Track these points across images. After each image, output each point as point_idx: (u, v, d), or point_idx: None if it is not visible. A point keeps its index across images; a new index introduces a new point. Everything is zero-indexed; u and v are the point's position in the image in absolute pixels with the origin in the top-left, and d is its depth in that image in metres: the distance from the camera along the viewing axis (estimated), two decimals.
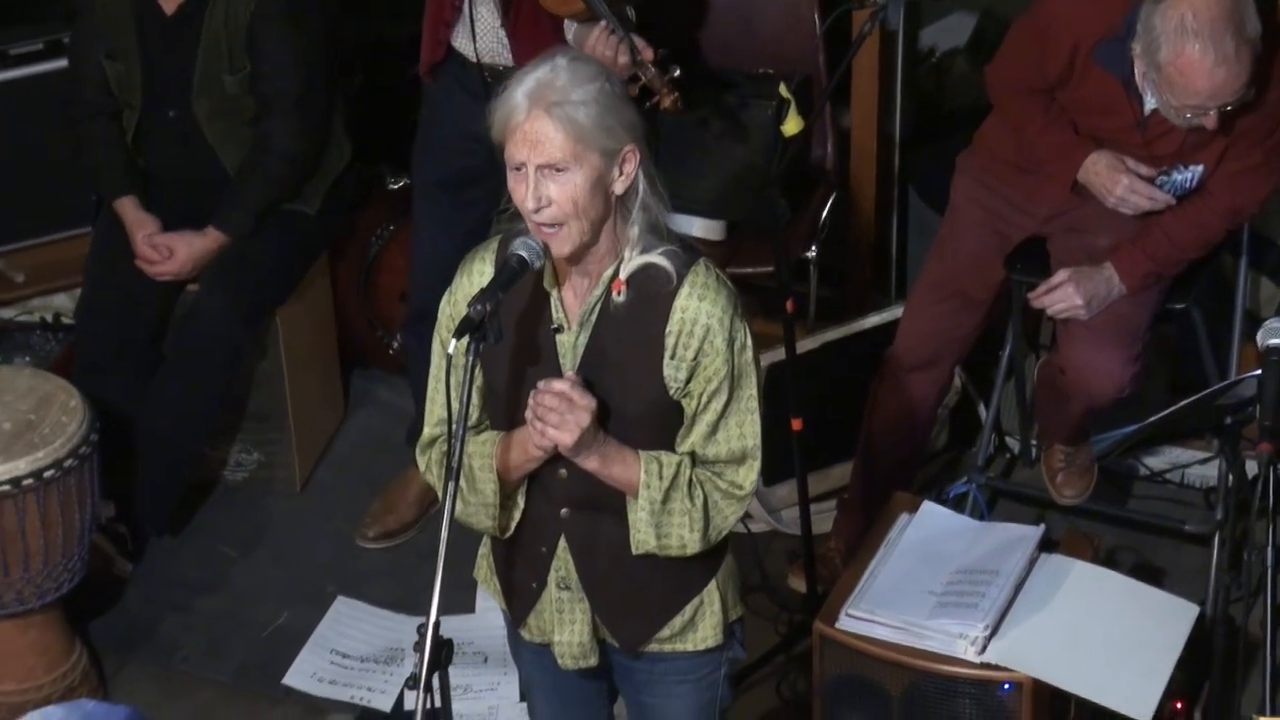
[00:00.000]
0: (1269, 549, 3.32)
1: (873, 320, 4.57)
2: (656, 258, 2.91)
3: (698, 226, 4.65)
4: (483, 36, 4.15)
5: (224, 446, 4.67)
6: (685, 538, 2.96)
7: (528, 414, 2.91)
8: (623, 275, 2.92)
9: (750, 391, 2.95)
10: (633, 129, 2.86)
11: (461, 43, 4.20)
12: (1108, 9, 3.77)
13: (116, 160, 4.40)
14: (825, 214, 4.70)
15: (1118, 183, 3.89)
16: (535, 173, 2.83)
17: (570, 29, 4.04)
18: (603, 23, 3.92)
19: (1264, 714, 3.29)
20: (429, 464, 3.08)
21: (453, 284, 3.03)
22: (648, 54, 3.93)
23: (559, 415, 2.87)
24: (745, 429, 2.95)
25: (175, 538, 4.53)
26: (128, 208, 4.38)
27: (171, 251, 4.34)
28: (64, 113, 4.46)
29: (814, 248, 4.66)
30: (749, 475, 2.97)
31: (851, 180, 4.82)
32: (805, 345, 4.42)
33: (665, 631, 3.09)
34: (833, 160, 4.77)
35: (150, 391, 4.39)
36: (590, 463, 2.93)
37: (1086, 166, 3.92)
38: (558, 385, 2.89)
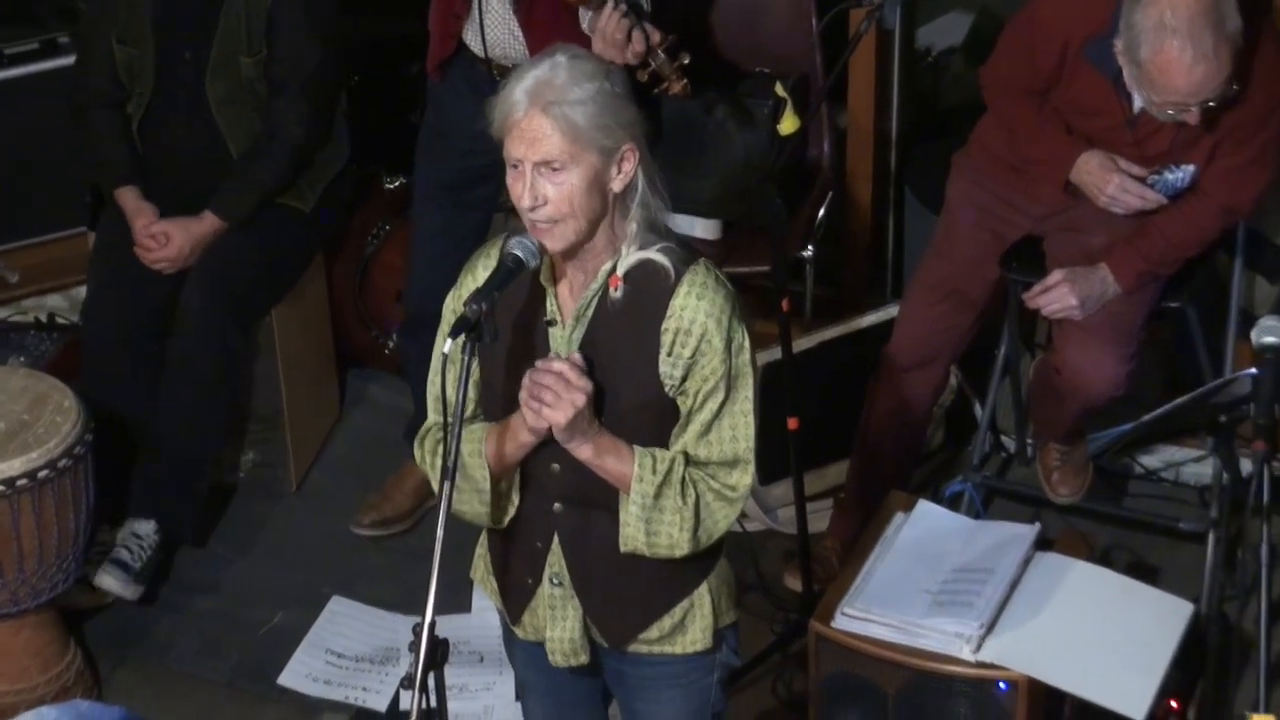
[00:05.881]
0: (1263, 547, 3.33)
1: (869, 319, 4.57)
2: (654, 254, 2.92)
3: (694, 226, 4.65)
4: (492, 29, 4.14)
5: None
6: (675, 537, 2.96)
7: (522, 395, 2.91)
8: (620, 271, 2.92)
9: (746, 394, 2.95)
10: (632, 127, 2.87)
11: (470, 37, 4.19)
12: (1096, 6, 3.78)
13: (120, 151, 4.39)
14: (822, 213, 4.70)
15: (1109, 182, 3.89)
16: (532, 170, 2.84)
17: (585, 17, 4.03)
18: (615, 6, 3.91)
19: (1258, 711, 3.29)
20: (424, 454, 3.09)
21: (458, 283, 3.04)
22: (657, 38, 3.94)
23: (554, 394, 2.88)
24: (739, 432, 2.95)
25: (203, 548, 4.51)
26: (128, 197, 4.37)
27: (168, 238, 4.33)
28: (70, 100, 4.45)
29: (810, 247, 4.66)
30: (743, 479, 2.97)
31: (848, 179, 4.82)
32: (802, 344, 4.42)
33: (654, 632, 3.08)
34: (829, 159, 4.77)
35: (159, 402, 4.38)
36: (583, 451, 2.93)
37: (1078, 166, 3.92)
38: (556, 365, 2.90)
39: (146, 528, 4.37)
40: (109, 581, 4.29)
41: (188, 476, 4.41)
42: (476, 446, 2.98)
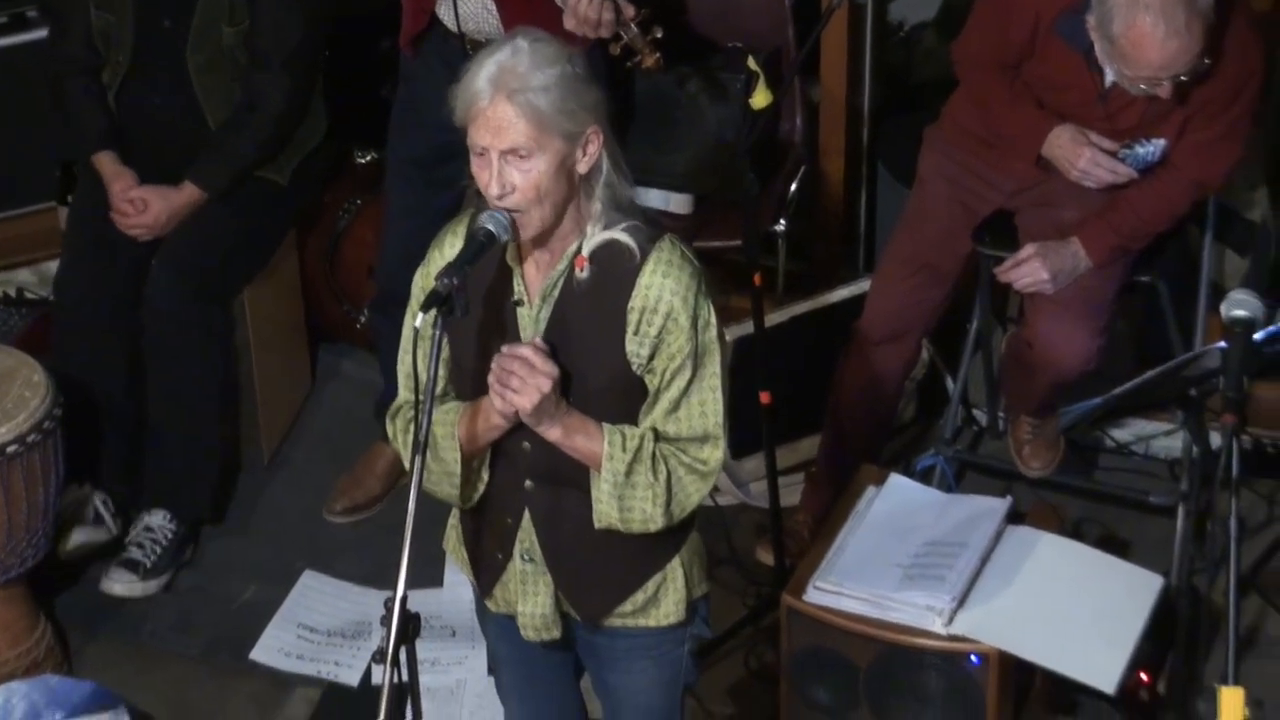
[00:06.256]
0: (1232, 520, 3.34)
1: (841, 294, 4.57)
2: (619, 234, 2.92)
3: (666, 200, 4.65)
4: (466, 4, 4.12)
5: None
6: (648, 512, 2.96)
7: (490, 379, 2.91)
8: (585, 251, 2.92)
9: (713, 370, 2.95)
10: (595, 110, 2.87)
11: (443, 12, 4.17)
12: None
13: (96, 117, 4.36)
14: (794, 187, 4.70)
15: (1080, 156, 3.90)
16: (499, 159, 2.84)
17: None
18: None
19: (1227, 684, 3.31)
20: (395, 431, 3.08)
21: (426, 259, 3.04)
22: (630, 12, 3.93)
23: (520, 380, 2.88)
24: (707, 408, 2.95)
25: (220, 525, 4.49)
26: (106, 162, 4.35)
27: (146, 204, 4.31)
28: (44, 67, 4.42)
29: (782, 221, 4.66)
30: (714, 453, 2.98)
31: (820, 153, 4.82)
32: (773, 319, 4.42)
33: (627, 606, 3.09)
34: (801, 133, 4.77)
35: (149, 388, 4.36)
36: (552, 433, 2.93)
37: (1050, 140, 3.93)
38: (521, 350, 2.90)
39: (158, 518, 4.35)
40: (117, 587, 4.29)
41: (194, 459, 4.39)
42: (449, 429, 2.98)
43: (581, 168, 2.88)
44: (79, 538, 4.34)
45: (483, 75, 2.83)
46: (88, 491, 4.36)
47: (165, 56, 4.29)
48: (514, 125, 2.81)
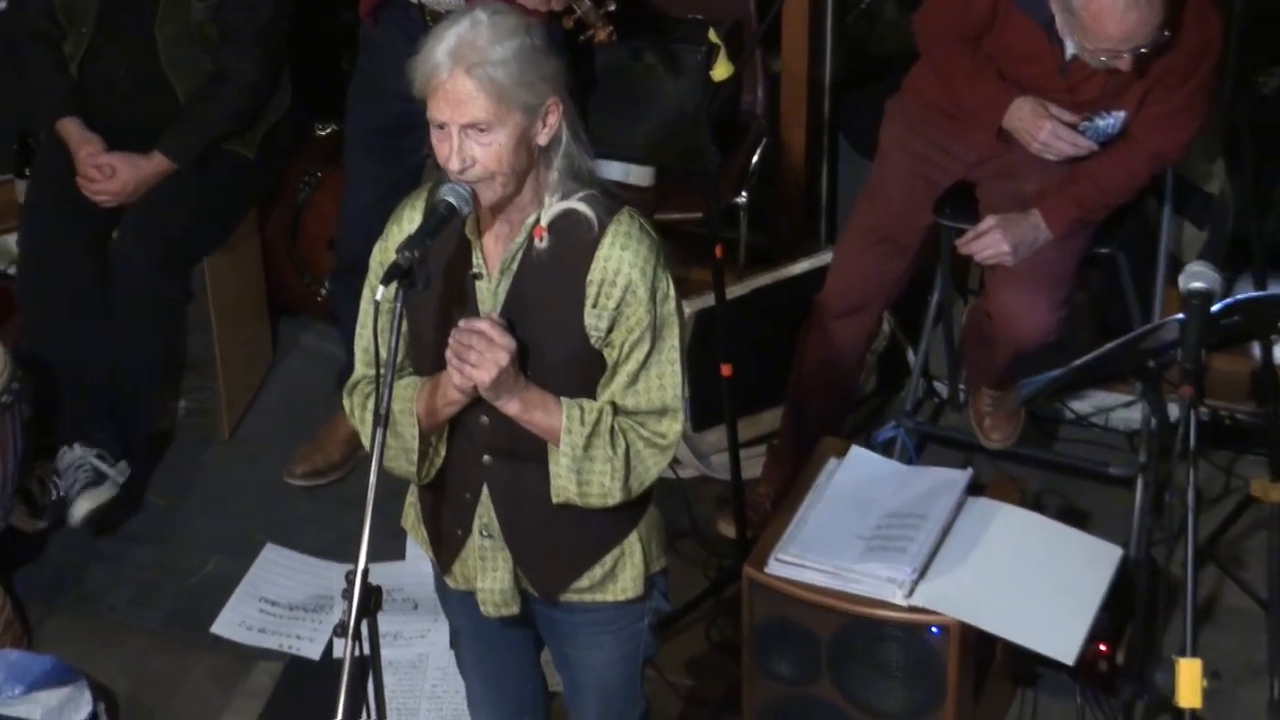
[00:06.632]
0: (1190, 491, 3.36)
1: (802, 266, 4.58)
2: (577, 204, 2.91)
3: (627, 172, 4.64)
4: None
5: None
6: (606, 486, 2.96)
7: (448, 354, 2.90)
8: (544, 221, 2.91)
9: (672, 343, 2.95)
10: (554, 80, 2.86)
11: None
12: None
13: (61, 82, 4.33)
14: (755, 160, 4.70)
15: (1041, 128, 3.91)
16: (459, 133, 2.83)
17: None
18: None
19: (1185, 654, 3.32)
20: (353, 407, 3.08)
21: (384, 233, 3.03)
22: None
23: (478, 354, 2.87)
24: (666, 381, 2.95)
25: (137, 496, 4.48)
26: (71, 128, 4.32)
27: (114, 170, 4.29)
28: (3, 36, 4.39)
29: (744, 193, 4.66)
30: (672, 426, 2.98)
31: (782, 126, 4.82)
32: (735, 291, 4.43)
33: (584, 581, 3.09)
34: (763, 106, 4.77)
35: (108, 347, 4.34)
36: (511, 407, 2.93)
37: (1011, 113, 3.93)
38: (478, 324, 2.89)
39: (70, 456, 4.31)
40: (84, 504, 4.26)
41: (129, 409, 4.38)
42: (407, 405, 2.98)
43: (541, 139, 2.87)
44: (85, 505, 4.29)
45: (441, 48, 2.82)
46: (79, 454, 4.33)
47: (132, 29, 4.27)
48: (474, 99, 2.80)
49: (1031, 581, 3.61)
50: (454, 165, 2.84)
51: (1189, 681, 3.26)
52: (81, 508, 4.28)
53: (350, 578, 2.82)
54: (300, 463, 4.56)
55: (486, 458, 3.03)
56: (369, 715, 2.92)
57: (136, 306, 4.32)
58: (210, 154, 4.34)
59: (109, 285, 4.34)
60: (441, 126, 2.84)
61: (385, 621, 2.98)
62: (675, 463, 3.14)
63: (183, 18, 4.25)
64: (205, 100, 4.30)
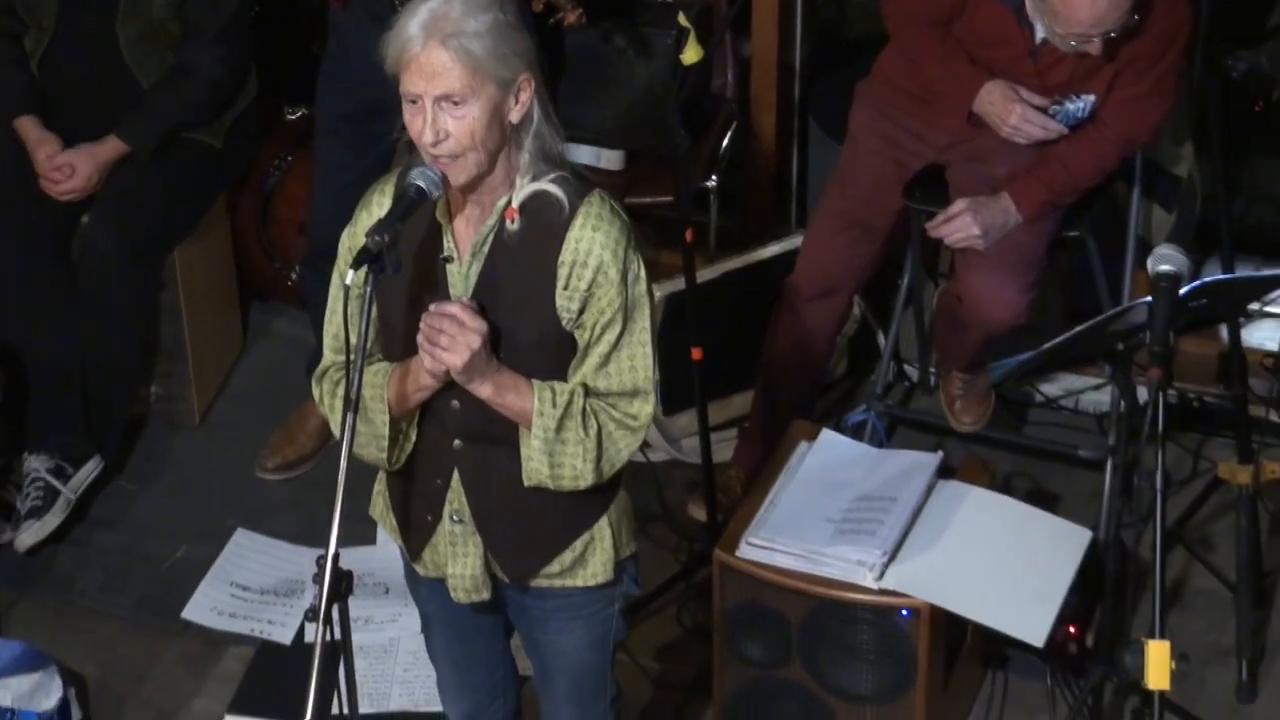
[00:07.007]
0: (1158, 474, 3.37)
1: (773, 249, 4.58)
2: (548, 185, 2.91)
3: (598, 156, 4.63)
4: None
5: None
6: (578, 468, 2.96)
7: (419, 338, 2.90)
8: (515, 203, 2.91)
9: (643, 325, 2.95)
10: (527, 57, 2.86)
11: None
12: None
13: (19, 78, 4.31)
14: (725, 143, 4.70)
15: (1011, 112, 3.92)
16: (433, 105, 2.82)
17: None
18: None
19: (1154, 637, 3.34)
20: (322, 394, 3.07)
21: (354, 218, 3.02)
22: None
23: (449, 337, 2.87)
24: (637, 363, 2.96)
25: (106, 482, 4.46)
26: (28, 127, 4.30)
27: (73, 169, 4.27)
28: None
29: (714, 177, 4.66)
30: (644, 408, 2.98)
31: (752, 109, 4.82)
32: (705, 274, 4.43)
33: (555, 567, 3.09)
34: (733, 89, 4.77)
35: (77, 339, 4.33)
36: (483, 390, 2.92)
37: (981, 96, 3.94)
38: (449, 307, 2.89)
39: (40, 461, 4.30)
40: (25, 538, 4.24)
41: (101, 401, 4.36)
42: (378, 391, 2.97)
43: (514, 116, 2.87)
44: (28, 539, 4.25)
45: (415, 22, 2.81)
46: (35, 466, 4.28)
47: (93, 25, 4.25)
48: (448, 70, 2.80)
49: (1001, 564, 3.62)
50: (427, 138, 2.83)
51: (1157, 663, 3.28)
52: (24, 541, 4.26)
53: (321, 562, 2.82)
54: (271, 456, 4.55)
55: (457, 442, 3.02)
56: (340, 700, 2.93)
57: (106, 297, 4.31)
58: (173, 143, 4.33)
59: (77, 277, 4.32)
60: (414, 101, 2.84)
61: (356, 606, 2.98)
62: (646, 446, 3.14)
63: (145, 14, 4.24)
64: (166, 90, 4.29)
